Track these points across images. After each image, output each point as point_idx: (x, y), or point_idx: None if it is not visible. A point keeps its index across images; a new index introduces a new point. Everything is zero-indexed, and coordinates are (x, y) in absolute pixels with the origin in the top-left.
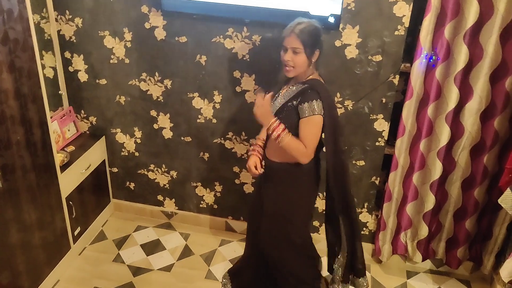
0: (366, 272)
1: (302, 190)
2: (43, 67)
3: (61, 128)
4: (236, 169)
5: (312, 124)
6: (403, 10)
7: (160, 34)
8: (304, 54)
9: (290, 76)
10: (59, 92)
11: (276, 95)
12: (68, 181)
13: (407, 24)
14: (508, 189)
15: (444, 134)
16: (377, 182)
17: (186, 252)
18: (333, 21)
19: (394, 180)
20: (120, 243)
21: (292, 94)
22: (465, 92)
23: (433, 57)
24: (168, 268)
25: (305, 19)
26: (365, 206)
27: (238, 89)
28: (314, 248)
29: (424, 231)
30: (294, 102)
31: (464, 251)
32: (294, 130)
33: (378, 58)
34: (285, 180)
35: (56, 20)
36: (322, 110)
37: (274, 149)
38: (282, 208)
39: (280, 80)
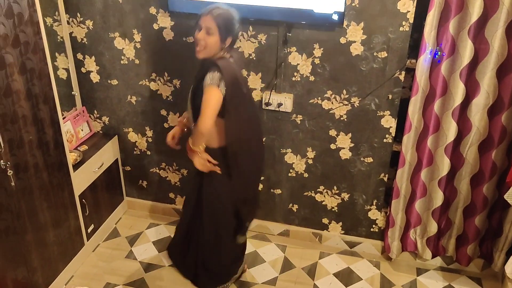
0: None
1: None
2: (57, 68)
3: (74, 128)
4: None
5: (208, 93)
6: (407, 6)
7: (168, 34)
8: (217, 36)
9: (200, 57)
10: (72, 92)
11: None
12: (81, 180)
13: (411, 20)
14: None
15: (451, 130)
16: (385, 179)
17: None
18: (336, 19)
19: (402, 177)
20: (132, 240)
21: (201, 75)
22: (472, 88)
23: (439, 52)
24: None
25: (224, 5)
26: (374, 203)
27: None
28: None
29: (433, 228)
30: (202, 83)
31: (474, 248)
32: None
33: (384, 54)
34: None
35: (68, 22)
36: (219, 83)
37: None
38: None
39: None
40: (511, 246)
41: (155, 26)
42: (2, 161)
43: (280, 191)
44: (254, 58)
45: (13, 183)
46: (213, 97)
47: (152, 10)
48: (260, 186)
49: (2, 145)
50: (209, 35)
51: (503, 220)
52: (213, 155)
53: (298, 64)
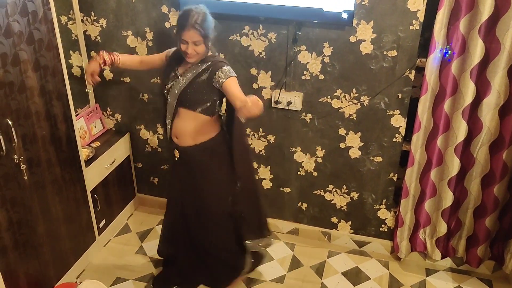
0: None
1: (220, 162)
2: (71, 66)
3: (87, 125)
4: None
5: (235, 82)
6: (418, 5)
7: None
8: (203, 44)
9: (192, 62)
10: (86, 90)
11: (173, 73)
12: (93, 175)
13: (422, 19)
14: None
15: (461, 129)
16: (395, 178)
17: None
18: (346, 17)
19: (411, 176)
20: (143, 235)
21: (199, 71)
22: (483, 87)
23: (449, 51)
24: None
25: (193, 7)
26: (383, 203)
27: (255, 85)
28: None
29: (443, 228)
30: (204, 77)
31: (484, 249)
32: (204, 103)
33: (394, 53)
34: (204, 159)
35: (82, 21)
36: (233, 73)
37: (186, 132)
38: (210, 186)
39: (171, 60)
40: None
41: (167, 25)
42: (15, 155)
43: (289, 190)
44: (264, 57)
45: (26, 177)
46: (237, 83)
47: (164, 9)
48: (269, 184)
49: (15, 139)
50: (197, 46)
51: None
52: (205, 148)
53: (308, 62)
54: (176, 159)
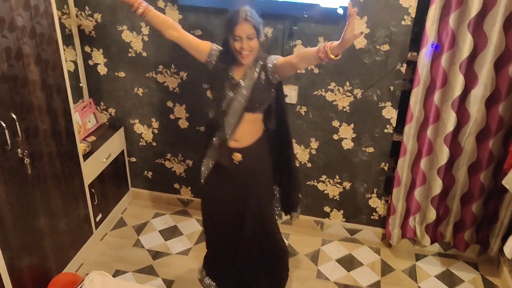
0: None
1: (269, 154)
2: (65, 61)
3: (82, 119)
4: None
5: (283, 57)
6: (409, 1)
7: None
8: (256, 37)
9: (248, 62)
10: (80, 84)
11: (232, 80)
12: (90, 170)
13: (413, 14)
14: None
15: (450, 120)
16: (386, 168)
17: (202, 237)
18: (342, 13)
19: (403, 166)
20: (139, 229)
21: (257, 70)
22: (470, 79)
23: (439, 46)
24: (185, 252)
25: (243, 5)
26: (375, 192)
27: None
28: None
29: (432, 215)
30: (262, 76)
31: (471, 234)
32: (267, 102)
33: (386, 47)
34: (259, 154)
35: (77, 15)
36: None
37: (246, 133)
38: (265, 179)
39: (221, 64)
40: (506, 232)
41: None
42: (19, 150)
43: None
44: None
45: (29, 171)
46: None
47: (161, 4)
48: None
49: (20, 134)
50: (251, 40)
51: (499, 207)
52: (263, 142)
53: None
54: (237, 162)
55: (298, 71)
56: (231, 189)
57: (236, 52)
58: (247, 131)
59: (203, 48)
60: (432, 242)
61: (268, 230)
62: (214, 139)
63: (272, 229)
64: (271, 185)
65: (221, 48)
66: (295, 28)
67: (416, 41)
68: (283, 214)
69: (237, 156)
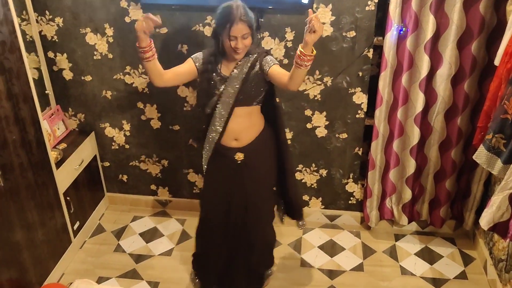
0: None
1: (272, 148)
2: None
3: (51, 127)
4: None
5: (278, 67)
6: None
7: None
8: (250, 36)
9: (240, 58)
10: (46, 92)
11: (217, 77)
12: (64, 178)
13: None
14: (481, 145)
15: (419, 101)
16: (360, 152)
17: (184, 236)
18: (307, 2)
19: (376, 149)
20: (119, 234)
21: (249, 64)
22: (436, 60)
23: (403, 28)
24: (168, 253)
25: (229, 2)
26: (351, 177)
27: None
28: None
29: (407, 194)
30: (256, 69)
31: (446, 210)
32: (260, 94)
33: (352, 34)
34: (265, 149)
35: (37, 21)
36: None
37: (244, 129)
38: (267, 178)
39: (206, 65)
40: (479, 205)
41: (127, 19)
42: None
43: None
44: None
45: (1, 184)
46: (280, 68)
47: (123, 4)
48: None
49: None
50: (245, 39)
51: (471, 182)
52: (266, 137)
53: (271, 48)
54: (239, 162)
55: None
56: (231, 184)
57: (230, 49)
58: (244, 125)
59: (189, 67)
60: (409, 221)
61: (261, 227)
62: (212, 135)
63: (265, 227)
64: (271, 185)
65: (201, 52)
66: (262, 20)
67: (380, 26)
68: (285, 217)
69: (239, 156)
